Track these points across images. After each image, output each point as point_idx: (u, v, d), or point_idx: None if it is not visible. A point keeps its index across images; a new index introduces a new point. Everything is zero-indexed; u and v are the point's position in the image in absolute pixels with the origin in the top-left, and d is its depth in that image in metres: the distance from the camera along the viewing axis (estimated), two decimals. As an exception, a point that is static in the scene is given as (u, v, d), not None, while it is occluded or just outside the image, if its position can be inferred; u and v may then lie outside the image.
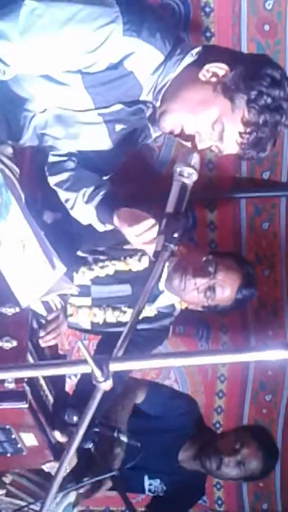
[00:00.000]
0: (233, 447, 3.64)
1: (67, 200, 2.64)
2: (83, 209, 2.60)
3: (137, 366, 1.83)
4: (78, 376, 3.27)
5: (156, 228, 2.28)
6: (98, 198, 2.54)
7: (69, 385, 3.19)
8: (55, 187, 2.65)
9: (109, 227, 2.55)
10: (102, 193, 2.54)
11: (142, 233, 2.35)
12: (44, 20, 2.13)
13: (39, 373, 1.96)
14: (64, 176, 2.62)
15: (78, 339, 4.35)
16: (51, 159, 2.62)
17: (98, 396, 1.81)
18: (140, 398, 3.64)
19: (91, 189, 2.57)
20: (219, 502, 4.90)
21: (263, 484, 4.84)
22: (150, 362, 1.85)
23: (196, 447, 3.73)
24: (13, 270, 2.18)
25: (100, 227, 2.59)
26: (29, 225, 2.10)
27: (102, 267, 3.09)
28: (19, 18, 2.12)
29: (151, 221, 2.33)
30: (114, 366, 1.70)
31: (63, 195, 2.64)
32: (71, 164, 2.62)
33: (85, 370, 1.70)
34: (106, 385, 1.72)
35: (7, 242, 2.15)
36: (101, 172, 2.63)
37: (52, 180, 2.65)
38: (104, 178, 2.67)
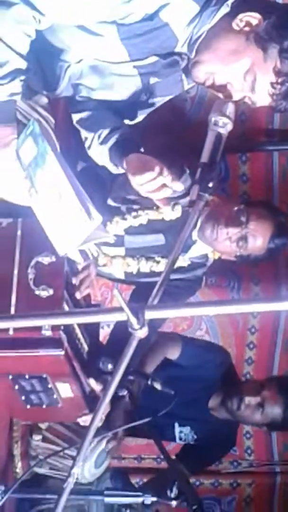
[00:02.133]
0: (255, 389, 3.69)
1: (85, 139, 2.62)
2: (98, 149, 2.57)
3: (171, 314, 1.86)
4: (111, 326, 3.29)
5: (161, 178, 2.26)
6: (112, 140, 2.50)
7: (103, 335, 3.23)
8: (76, 125, 2.63)
9: (121, 170, 2.52)
10: (116, 136, 2.51)
11: (146, 183, 2.32)
12: None
13: (76, 320, 1.98)
14: (85, 114, 2.59)
15: (110, 290, 4.40)
16: (78, 98, 2.61)
17: (134, 344, 1.84)
18: (174, 354, 3.67)
19: (107, 131, 2.53)
20: (249, 451, 4.96)
21: (293, 434, 4.90)
22: (184, 310, 1.86)
23: (223, 393, 3.77)
24: (50, 218, 2.19)
25: (114, 170, 2.57)
26: (65, 175, 2.11)
27: (135, 217, 3.09)
28: None
29: (154, 173, 2.27)
30: (150, 314, 1.73)
31: (83, 133, 2.62)
32: (93, 104, 2.58)
33: (121, 318, 1.72)
34: (141, 333, 1.74)
35: (44, 191, 2.16)
36: (122, 116, 2.60)
37: (75, 117, 2.62)
38: (127, 122, 2.65)
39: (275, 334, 4.61)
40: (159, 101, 2.56)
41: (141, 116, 2.60)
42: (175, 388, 2.68)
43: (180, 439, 3.81)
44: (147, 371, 3.34)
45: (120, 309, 1.71)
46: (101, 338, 3.04)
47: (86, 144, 2.61)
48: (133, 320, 1.71)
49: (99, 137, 2.54)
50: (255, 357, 4.68)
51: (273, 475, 5.02)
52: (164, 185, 2.27)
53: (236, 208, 3.08)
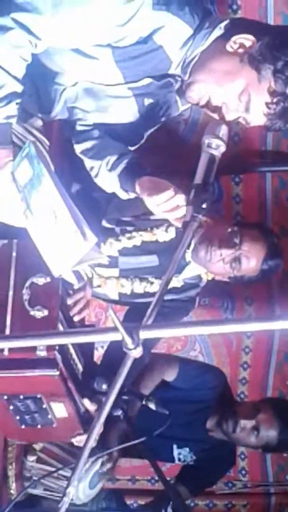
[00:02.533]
0: (250, 411, 3.70)
1: (91, 168, 2.66)
2: (106, 177, 2.62)
3: (166, 334, 1.86)
4: (105, 348, 3.30)
5: (176, 197, 2.31)
6: (121, 166, 2.56)
7: (97, 356, 3.24)
8: (80, 155, 2.67)
9: (132, 195, 2.57)
10: (125, 161, 2.56)
11: (162, 203, 2.37)
12: None
13: (71, 340, 1.99)
14: (90, 144, 2.65)
15: (104, 311, 4.41)
16: (78, 128, 2.64)
17: (128, 363, 1.85)
18: (171, 376, 3.69)
19: (114, 157, 2.59)
20: (243, 472, 4.96)
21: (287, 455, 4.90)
22: (178, 330, 1.87)
23: (219, 414, 3.78)
24: (45, 240, 2.21)
25: (124, 195, 2.61)
26: (61, 196, 2.13)
27: (129, 238, 3.11)
28: None
29: (171, 191, 2.33)
30: (144, 334, 1.74)
31: (88, 163, 2.67)
32: (96, 133, 2.63)
33: (116, 338, 1.73)
34: (136, 352, 1.75)
35: (39, 213, 2.18)
36: (125, 142, 2.65)
37: (78, 148, 2.68)
38: (130, 148, 2.69)
39: (269, 354, 4.62)
40: (157, 123, 2.59)
41: (142, 139, 2.64)
42: (171, 410, 2.68)
43: (179, 460, 3.82)
44: (145, 393, 3.35)
45: (114, 329, 1.72)
46: (95, 359, 3.05)
47: (93, 173, 2.65)
48: (128, 340, 1.72)
49: (107, 164, 2.58)
50: (249, 377, 4.69)
51: (268, 496, 5.03)
52: (178, 206, 2.30)
53: (229, 230, 3.10)
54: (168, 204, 2.35)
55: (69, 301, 2.60)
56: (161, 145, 3.73)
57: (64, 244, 2.14)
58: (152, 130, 2.67)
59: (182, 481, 3.77)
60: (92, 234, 2.18)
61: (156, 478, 4.78)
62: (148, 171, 2.49)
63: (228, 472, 4.59)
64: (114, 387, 1.88)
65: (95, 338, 1.88)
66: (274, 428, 3.67)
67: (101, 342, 3.59)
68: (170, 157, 3.77)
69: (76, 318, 2.62)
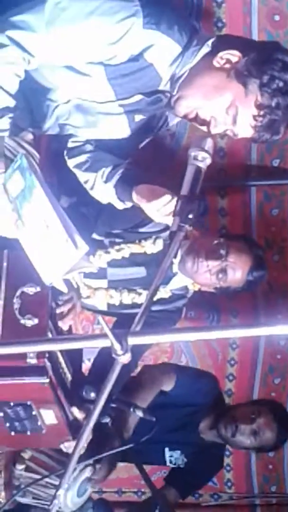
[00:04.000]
0: (249, 416, 3.74)
1: (86, 181, 2.72)
2: (102, 188, 2.68)
3: (154, 340, 1.92)
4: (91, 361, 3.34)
5: (174, 200, 2.36)
6: (116, 177, 2.62)
7: (84, 368, 3.27)
8: (74, 169, 2.72)
9: (128, 204, 2.62)
10: (120, 172, 2.62)
11: (162, 207, 2.42)
12: (68, 13, 2.22)
13: (61, 347, 2.03)
14: (83, 158, 2.70)
15: (91, 324, 4.45)
16: (70, 144, 2.70)
17: (117, 369, 1.90)
18: (169, 385, 3.71)
19: (109, 168, 2.65)
20: (229, 484, 4.98)
21: (272, 467, 4.93)
22: (166, 336, 1.92)
23: (213, 417, 3.82)
24: (37, 249, 2.25)
25: (120, 205, 2.66)
26: (52, 206, 2.18)
27: (118, 250, 3.16)
28: (44, 11, 2.22)
29: (169, 195, 2.40)
30: (133, 340, 1.79)
31: (82, 176, 2.72)
32: (89, 147, 2.69)
33: (105, 344, 1.78)
34: (125, 358, 1.80)
35: (31, 223, 2.22)
36: (117, 156, 2.71)
37: (72, 162, 2.73)
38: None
39: (254, 366, 4.65)
40: (147, 137, 2.65)
41: (132, 152, 2.69)
42: (165, 414, 2.72)
43: (171, 462, 3.85)
44: (143, 405, 3.38)
45: (104, 336, 1.77)
46: (83, 370, 3.08)
47: (88, 186, 2.70)
48: (117, 345, 1.77)
49: (102, 176, 2.63)
50: (234, 388, 4.71)
51: (253, 508, 5.07)
52: None
53: (216, 242, 3.16)
54: (168, 208, 2.41)
55: (58, 311, 2.65)
56: (148, 159, 3.78)
57: (55, 253, 2.19)
58: (140, 145, 2.72)
59: (172, 483, 3.80)
60: (83, 243, 2.22)
61: (143, 490, 4.82)
62: (143, 180, 2.54)
63: (213, 484, 4.65)
64: (104, 392, 1.93)
65: (85, 345, 1.92)
66: (273, 431, 3.73)
67: (88, 355, 3.62)
68: (156, 171, 3.81)
69: (64, 327, 2.66)
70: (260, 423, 3.72)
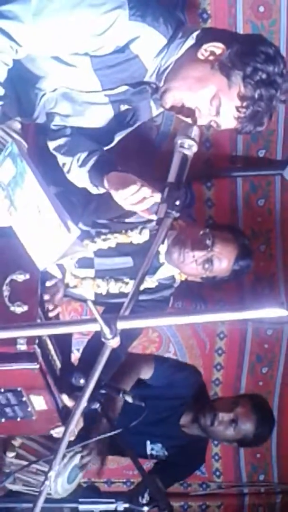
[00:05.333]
0: (228, 406, 3.79)
1: (64, 164, 2.72)
2: (77, 172, 2.68)
3: (142, 324, 1.95)
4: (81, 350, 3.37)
5: (142, 190, 2.37)
6: (91, 162, 2.61)
7: (73, 359, 3.30)
8: (54, 152, 2.73)
9: (101, 190, 2.62)
10: (94, 158, 2.62)
11: (129, 197, 2.42)
12: (55, 4, 2.24)
13: (52, 331, 2.06)
14: (62, 141, 2.70)
15: (79, 316, 4.47)
16: (52, 126, 2.71)
17: (106, 353, 1.93)
18: (147, 373, 3.76)
19: (85, 154, 2.64)
20: (217, 473, 5.03)
21: (260, 456, 4.97)
22: (154, 320, 1.96)
23: (195, 410, 3.85)
24: (30, 235, 2.27)
25: (94, 190, 2.67)
26: (44, 191, 2.20)
27: (104, 240, 3.19)
28: (31, 1, 2.24)
29: (137, 185, 2.39)
30: (122, 324, 1.82)
31: (60, 159, 2.72)
32: (69, 131, 2.69)
33: (95, 328, 1.81)
34: (114, 342, 1.83)
35: (23, 209, 2.24)
36: (97, 142, 2.70)
37: (52, 145, 2.73)
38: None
39: (242, 356, 4.70)
40: (130, 126, 2.67)
41: (114, 141, 2.71)
42: (146, 407, 2.75)
43: (152, 456, 3.89)
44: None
45: (93, 320, 1.80)
46: (72, 360, 3.11)
47: (65, 169, 2.71)
48: (106, 330, 1.80)
49: (78, 160, 2.65)
50: (222, 378, 4.76)
51: (242, 497, 5.10)
52: (144, 198, 2.38)
53: (201, 232, 3.18)
54: (135, 197, 2.41)
55: (46, 296, 2.67)
56: (134, 152, 3.81)
57: (48, 238, 2.20)
58: (124, 134, 2.74)
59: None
60: (75, 227, 2.25)
61: (132, 480, 4.86)
62: (117, 167, 2.55)
63: (201, 473, 4.68)
64: (93, 374, 1.96)
65: (75, 329, 1.96)
66: (251, 422, 3.77)
67: (77, 345, 3.65)
68: (143, 163, 3.84)
69: (51, 314, 2.69)
70: (238, 412, 3.76)
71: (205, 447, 4.11)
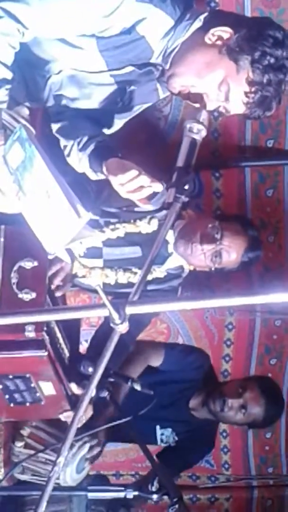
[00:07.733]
0: (237, 391, 3.80)
1: (65, 147, 2.70)
2: (77, 156, 2.65)
3: (151, 309, 1.94)
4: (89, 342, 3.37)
5: (140, 178, 2.33)
6: (91, 147, 2.58)
7: (82, 350, 3.29)
8: (56, 134, 2.71)
9: (100, 176, 2.59)
10: (95, 142, 2.59)
11: (126, 183, 2.39)
12: None
13: (60, 317, 2.05)
14: (64, 123, 2.68)
15: (87, 306, 4.46)
16: (56, 108, 2.70)
17: (115, 339, 1.92)
18: (157, 361, 3.76)
19: (86, 138, 2.61)
20: (226, 466, 5.01)
21: (269, 448, 4.96)
22: (163, 305, 1.95)
23: (204, 394, 3.86)
24: (39, 219, 2.25)
25: (93, 176, 2.64)
26: (53, 176, 2.18)
27: (113, 230, 3.18)
28: None
29: (135, 171, 2.35)
30: (130, 309, 1.81)
31: (62, 142, 2.71)
32: (72, 113, 2.66)
33: (103, 314, 1.80)
34: (122, 327, 1.82)
35: (33, 193, 2.22)
36: (99, 124, 2.68)
37: (54, 127, 2.71)
38: (104, 131, 2.72)
39: (250, 347, 4.68)
40: (136, 109, 2.65)
41: (118, 124, 2.69)
42: (155, 392, 2.75)
43: (162, 441, 3.89)
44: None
45: (102, 305, 1.79)
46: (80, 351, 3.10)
47: (66, 152, 2.69)
48: (115, 315, 1.79)
49: (78, 144, 2.63)
50: (231, 369, 4.74)
51: (250, 489, 5.08)
52: (142, 186, 2.36)
53: (210, 225, 3.17)
54: (132, 184, 2.37)
55: (49, 273, 2.66)
56: (141, 142, 3.80)
57: (58, 222, 2.18)
58: (129, 117, 2.71)
59: (163, 461, 3.81)
60: (85, 211, 2.23)
61: (141, 473, 4.85)
62: (117, 154, 2.52)
63: (210, 466, 4.67)
64: (102, 360, 1.95)
65: (84, 314, 1.95)
66: (261, 405, 3.78)
67: (85, 336, 3.64)
68: (150, 154, 3.83)
69: (57, 294, 2.68)
70: (247, 398, 3.78)
71: (214, 430, 4.14)
